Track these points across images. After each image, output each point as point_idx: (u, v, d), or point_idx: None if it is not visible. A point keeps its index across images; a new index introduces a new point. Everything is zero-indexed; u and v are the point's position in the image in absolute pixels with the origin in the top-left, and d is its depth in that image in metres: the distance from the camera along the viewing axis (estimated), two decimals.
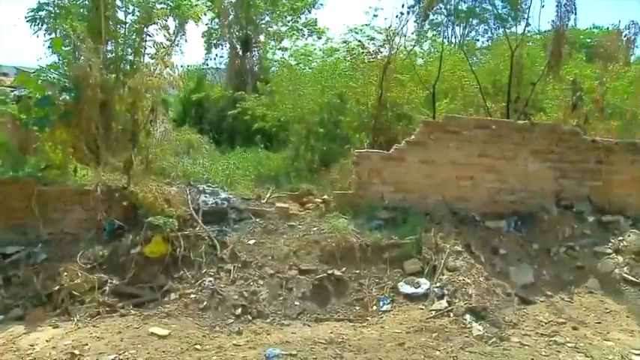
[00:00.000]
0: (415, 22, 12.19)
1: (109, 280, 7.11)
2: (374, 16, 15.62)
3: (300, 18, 21.03)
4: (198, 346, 5.83)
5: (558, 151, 9.29)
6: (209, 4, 15.50)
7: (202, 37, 20.76)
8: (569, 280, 7.81)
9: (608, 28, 23.84)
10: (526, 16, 11.77)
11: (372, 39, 14.85)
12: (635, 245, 8.23)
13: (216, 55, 21.60)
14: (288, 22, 21.09)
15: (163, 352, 5.71)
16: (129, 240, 7.52)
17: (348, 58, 14.98)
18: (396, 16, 11.19)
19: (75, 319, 6.52)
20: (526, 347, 6.02)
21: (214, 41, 21.07)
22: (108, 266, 7.34)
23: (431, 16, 30.72)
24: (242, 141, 17.05)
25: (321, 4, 21.39)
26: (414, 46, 13.85)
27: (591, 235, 8.58)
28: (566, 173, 9.30)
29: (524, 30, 11.98)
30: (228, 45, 20.42)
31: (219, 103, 18.41)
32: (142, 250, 7.32)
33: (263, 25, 20.81)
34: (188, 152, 13.72)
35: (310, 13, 21.07)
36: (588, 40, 23.46)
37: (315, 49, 18.35)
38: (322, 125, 14.64)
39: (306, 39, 20.53)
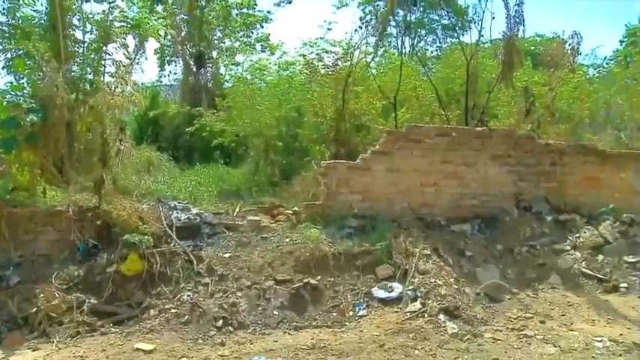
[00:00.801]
0: (372, 35, 12.62)
1: (87, 300, 7.19)
2: (328, 29, 16.05)
3: (252, 33, 21.34)
4: (185, 359, 6.02)
5: (515, 155, 9.90)
6: (165, 21, 15.59)
7: (155, 54, 20.85)
8: (533, 277, 8.36)
9: (552, 37, 25.11)
10: (478, 27, 12.30)
11: (327, 52, 15.27)
12: (590, 241, 8.88)
13: (170, 72, 21.72)
14: (241, 37, 21.34)
15: None
16: (104, 259, 7.63)
17: (305, 72, 15.35)
18: (355, 30, 11.63)
19: (54, 340, 6.58)
20: (499, 342, 6.43)
21: (167, 58, 21.15)
22: (84, 286, 7.41)
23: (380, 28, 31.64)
24: (200, 157, 17.18)
25: (271, 19, 21.76)
26: (373, 59, 14.29)
27: (550, 234, 9.17)
28: (523, 176, 9.90)
29: (478, 40, 12.54)
30: (181, 62, 20.54)
31: (175, 120, 18.51)
32: (119, 268, 7.43)
33: (216, 41, 21.02)
34: (148, 170, 13.81)
35: (263, 28, 21.42)
36: (532, 48, 24.64)
37: (269, 63, 18.66)
38: (281, 139, 14.92)
39: (260, 54, 20.87)
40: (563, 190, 9.97)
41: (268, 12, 21.94)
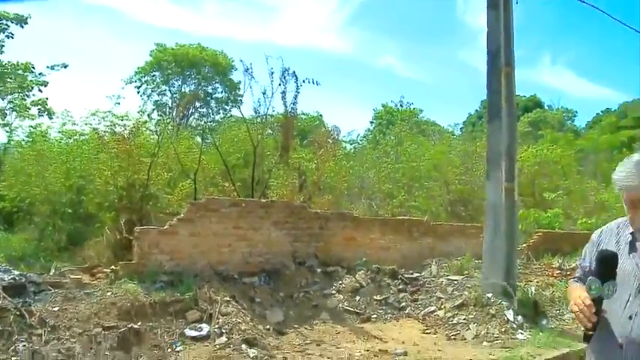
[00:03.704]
0: (175, 118, 15.17)
1: None
2: (116, 103, 18.12)
3: (28, 96, 22.21)
4: None
5: (291, 221, 12.94)
6: None
7: None
8: (309, 315, 11.30)
9: (315, 115, 30.12)
10: (262, 117, 15.48)
11: (115, 125, 17.26)
12: (350, 286, 12.23)
13: None
14: (15, 99, 22.06)
15: None
16: None
17: (94, 141, 17.15)
18: (149, 115, 14.09)
19: None
20: (288, 359, 9.32)
21: None
22: None
23: (156, 97, 34.14)
24: None
25: (46, 82, 22.81)
26: (175, 138, 16.73)
27: (320, 282, 12.29)
28: (298, 238, 12.97)
29: (265, 120, 15.72)
30: None
31: None
32: None
33: None
34: None
35: (41, 92, 22.43)
36: (299, 124, 29.15)
37: (52, 129, 19.85)
38: (69, 205, 16.48)
39: (37, 118, 21.79)
40: (329, 248, 13.29)
41: (40, 74, 23.11)
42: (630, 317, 2.73)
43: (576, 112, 57.44)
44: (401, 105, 38.20)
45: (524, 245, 16.75)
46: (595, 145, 37.49)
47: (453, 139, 26.45)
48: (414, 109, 37.85)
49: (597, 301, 2.71)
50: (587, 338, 2.81)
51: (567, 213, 23.31)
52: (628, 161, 2.81)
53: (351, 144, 33.66)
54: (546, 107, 53.99)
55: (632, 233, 2.92)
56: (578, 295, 2.78)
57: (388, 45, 76.51)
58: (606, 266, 2.76)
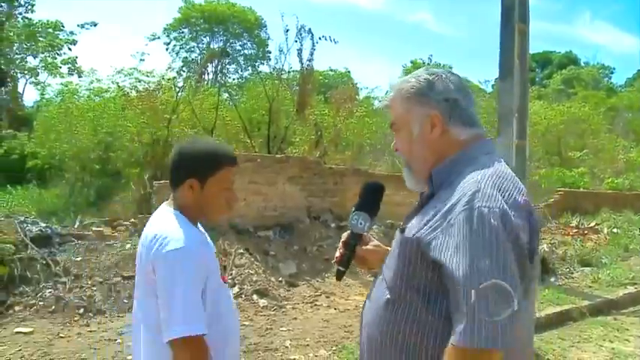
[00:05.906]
0: (192, 75, 15.40)
1: None
2: (141, 60, 18.43)
3: (58, 55, 22.66)
4: (61, 335, 8.25)
5: (306, 176, 13.28)
6: None
7: None
8: (321, 268, 11.68)
9: (343, 71, 30.06)
10: (278, 65, 15.68)
11: (140, 81, 17.64)
12: None
13: None
14: (46, 57, 22.50)
15: (34, 342, 8.00)
16: None
17: (120, 99, 17.59)
18: (178, 72, 14.37)
19: None
20: (297, 309, 9.63)
21: None
22: None
23: (184, 54, 34.40)
24: (5, 179, 18.41)
25: (76, 41, 23.24)
26: (195, 95, 17.06)
27: (334, 237, 12.59)
28: (313, 193, 13.32)
29: (280, 79, 15.92)
30: None
31: None
32: None
33: (17, 60, 22.02)
34: None
35: (70, 50, 22.87)
36: (326, 81, 29.24)
37: (80, 87, 20.30)
38: (97, 161, 17.00)
39: (67, 76, 22.23)
40: (343, 203, 13.58)
41: (71, 33, 23.52)
42: (369, 297, 2.22)
43: (614, 68, 56.12)
44: (430, 62, 37.84)
45: (543, 204, 16.73)
46: (629, 104, 36.44)
47: (478, 96, 26.09)
48: (443, 66, 37.36)
49: (353, 233, 2.46)
50: (338, 275, 2.52)
51: (594, 172, 23.03)
52: None
53: (380, 100, 33.47)
54: (582, 64, 52.69)
55: (422, 193, 2.27)
56: None
57: (422, 1, 75.14)
58: (365, 195, 2.50)
